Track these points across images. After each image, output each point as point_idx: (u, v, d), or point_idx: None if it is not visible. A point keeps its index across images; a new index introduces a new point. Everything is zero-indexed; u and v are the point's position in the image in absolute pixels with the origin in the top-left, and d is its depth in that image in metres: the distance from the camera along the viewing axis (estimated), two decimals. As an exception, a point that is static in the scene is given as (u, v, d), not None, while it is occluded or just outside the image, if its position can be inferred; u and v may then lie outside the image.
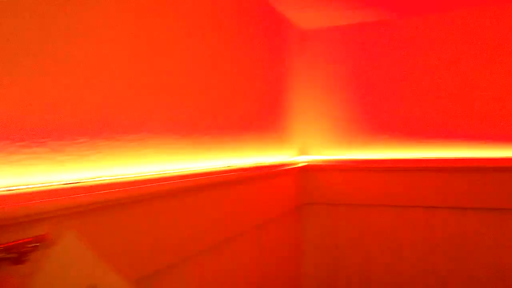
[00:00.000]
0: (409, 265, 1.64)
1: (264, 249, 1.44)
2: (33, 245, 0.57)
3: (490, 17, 1.58)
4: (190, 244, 0.99)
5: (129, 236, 0.80)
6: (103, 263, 0.66)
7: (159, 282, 0.89)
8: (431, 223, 1.61)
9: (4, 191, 0.58)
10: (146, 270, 0.84)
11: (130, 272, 0.77)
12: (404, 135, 1.69)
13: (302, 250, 1.79)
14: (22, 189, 0.60)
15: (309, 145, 1.85)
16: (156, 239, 0.87)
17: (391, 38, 1.71)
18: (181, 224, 0.95)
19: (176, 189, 0.92)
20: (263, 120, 1.49)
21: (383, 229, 1.68)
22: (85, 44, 0.74)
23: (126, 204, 0.78)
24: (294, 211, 1.74)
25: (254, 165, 1.33)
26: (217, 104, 1.17)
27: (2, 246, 0.54)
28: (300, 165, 1.75)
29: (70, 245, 0.62)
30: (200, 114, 1.08)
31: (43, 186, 0.63)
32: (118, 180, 0.76)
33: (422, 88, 1.67)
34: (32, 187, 0.61)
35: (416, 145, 1.67)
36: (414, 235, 1.64)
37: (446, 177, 1.58)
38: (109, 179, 0.75)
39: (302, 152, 1.86)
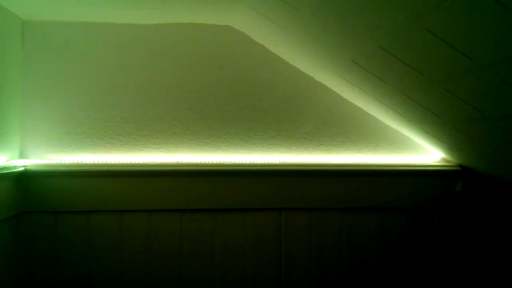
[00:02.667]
0: (131, 269, 1.70)
1: None
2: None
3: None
4: None
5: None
6: None
7: None
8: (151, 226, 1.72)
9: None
10: None
11: None
12: (124, 138, 1.76)
13: (20, 259, 1.62)
14: None
15: (31, 147, 1.70)
16: None
17: (126, 41, 1.75)
18: None
19: None
20: None
21: (106, 234, 1.69)
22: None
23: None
24: (11, 221, 1.56)
25: None
26: None
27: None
28: (18, 169, 1.57)
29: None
30: None
31: None
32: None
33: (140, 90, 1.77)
34: None
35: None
36: (135, 239, 1.71)
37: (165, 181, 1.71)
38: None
39: (22, 155, 1.69)
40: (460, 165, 1.81)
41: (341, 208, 1.80)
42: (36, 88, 1.70)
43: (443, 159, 1.85)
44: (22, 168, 1.60)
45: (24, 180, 1.62)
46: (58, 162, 1.69)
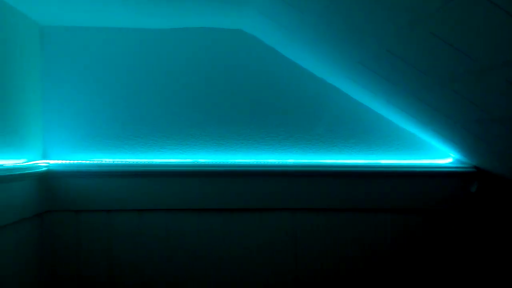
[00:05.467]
0: (150, 267, 1.76)
1: None
2: None
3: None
4: None
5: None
6: None
7: None
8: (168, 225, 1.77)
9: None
10: None
11: None
12: (141, 140, 1.82)
13: (44, 257, 1.68)
14: None
15: (53, 148, 1.78)
16: None
17: (141, 46, 1.82)
18: None
19: None
20: None
21: (126, 232, 1.75)
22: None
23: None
24: (36, 219, 1.63)
25: None
26: None
27: None
28: (41, 170, 1.65)
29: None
30: None
31: None
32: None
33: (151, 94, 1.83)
34: None
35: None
36: (153, 237, 1.77)
37: (182, 181, 1.76)
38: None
39: (44, 156, 1.77)
40: (475, 167, 1.79)
41: (356, 209, 1.81)
42: (56, 91, 1.78)
43: (458, 161, 1.84)
44: (45, 168, 1.68)
45: (47, 180, 1.70)
46: (79, 162, 1.77)
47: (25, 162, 1.61)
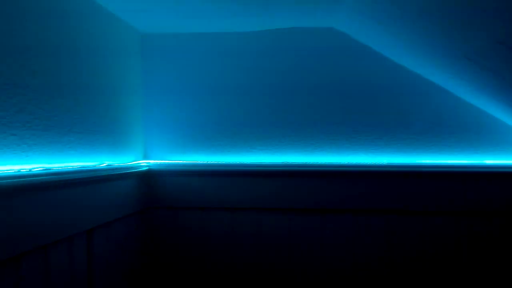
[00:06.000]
0: (241, 262, 1.80)
1: (102, 252, 1.44)
2: None
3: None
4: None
5: None
6: None
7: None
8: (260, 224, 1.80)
9: None
10: None
11: None
12: (242, 141, 1.86)
13: (145, 250, 1.80)
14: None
15: (152, 149, 1.90)
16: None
17: (232, 48, 1.86)
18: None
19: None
20: (96, 123, 1.51)
21: (219, 230, 1.81)
22: None
23: None
24: (138, 215, 1.74)
25: (82, 169, 1.32)
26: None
27: None
28: (143, 169, 1.76)
29: None
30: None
31: None
32: None
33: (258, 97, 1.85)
34: None
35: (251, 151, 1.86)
36: (249, 236, 1.80)
37: (273, 181, 1.77)
38: None
39: (145, 156, 1.89)
40: None
41: (453, 212, 1.70)
42: (155, 96, 1.90)
43: None
44: (146, 168, 1.80)
45: (148, 179, 1.81)
46: (176, 162, 1.86)
47: (130, 163, 1.74)
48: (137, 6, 1.55)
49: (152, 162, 1.85)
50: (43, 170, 1.12)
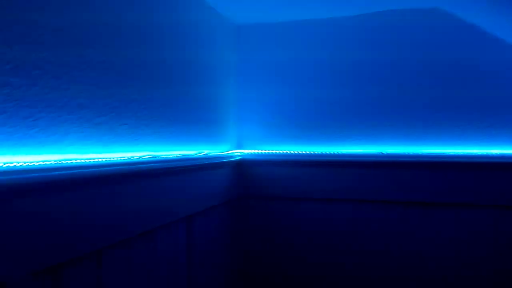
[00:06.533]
0: (336, 255, 1.75)
1: (198, 239, 1.48)
2: None
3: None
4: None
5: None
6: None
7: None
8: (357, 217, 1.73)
9: None
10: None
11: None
12: (337, 130, 1.80)
13: (237, 238, 1.83)
14: None
15: (245, 139, 1.90)
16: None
17: (327, 36, 1.81)
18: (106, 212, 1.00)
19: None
20: (195, 113, 1.54)
21: (312, 221, 1.77)
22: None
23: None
24: (230, 204, 1.77)
25: (185, 157, 1.35)
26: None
27: None
28: (236, 158, 1.77)
29: None
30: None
31: None
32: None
33: (354, 85, 1.77)
34: None
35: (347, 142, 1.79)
36: (343, 228, 1.74)
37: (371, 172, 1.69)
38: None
39: (238, 145, 1.90)
40: None
41: None
42: (248, 87, 1.90)
43: None
44: (239, 157, 1.82)
45: (241, 168, 1.83)
46: (268, 152, 1.86)
47: (225, 152, 1.77)
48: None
49: (245, 151, 1.87)
50: (151, 157, 1.17)
